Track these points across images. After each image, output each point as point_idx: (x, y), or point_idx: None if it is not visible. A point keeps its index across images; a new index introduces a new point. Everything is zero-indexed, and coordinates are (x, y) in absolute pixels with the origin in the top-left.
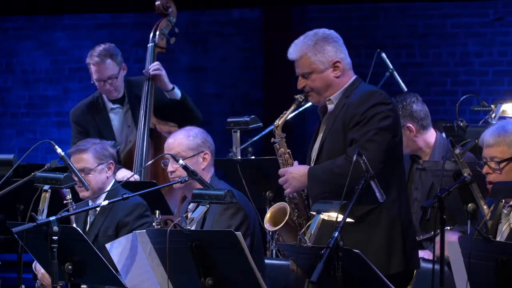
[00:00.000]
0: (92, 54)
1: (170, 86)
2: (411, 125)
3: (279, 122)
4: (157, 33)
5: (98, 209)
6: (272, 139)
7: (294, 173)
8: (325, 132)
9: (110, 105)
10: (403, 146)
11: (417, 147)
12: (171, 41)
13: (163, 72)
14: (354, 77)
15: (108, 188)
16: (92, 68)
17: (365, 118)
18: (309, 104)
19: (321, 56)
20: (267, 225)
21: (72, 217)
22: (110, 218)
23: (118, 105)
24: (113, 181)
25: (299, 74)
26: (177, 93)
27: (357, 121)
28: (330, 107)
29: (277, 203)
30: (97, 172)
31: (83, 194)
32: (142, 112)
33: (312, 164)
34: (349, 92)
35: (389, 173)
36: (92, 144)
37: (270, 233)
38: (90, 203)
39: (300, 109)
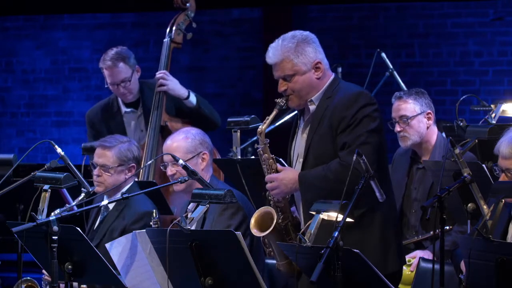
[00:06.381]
0: (105, 59)
1: (185, 94)
2: (431, 112)
3: (262, 128)
4: (174, 28)
5: (110, 207)
6: (256, 145)
7: (285, 180)
8: (310, 133)
9: (124, 108)
10: (416, 136)
11: (426, 138)
12: (188, 36)
13: (169, 86)
14: (333, 76)
15: (125, 189)
16: (105, 72)
17: (355, 120)
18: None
19: (303, 57)
20: (254, 231)
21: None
22: (118, 221)
23: (132, 109)
24: (132, 182)
25: (280, 77)
26: (192, 101)
27: (347, 124)
28: (312, 108)
29: (261, 208)
30: (116, 172)
31: (97, 189)
32: (152, 110)
33: (295, 165)
34: (330, 93)
35: (380, 174)
36: (118, 143)
37: None
38: (104, 198)
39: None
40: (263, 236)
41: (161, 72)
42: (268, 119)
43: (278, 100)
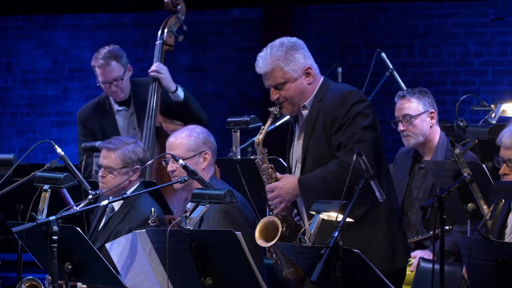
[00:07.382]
0: (97, 57)
1: (173, 87)
2: (434, 112)
3: (259, 138)
4: (166, 30)
5: (115, 209)
6: (254, 156)
7: (285, 187)
8: (305, 138)
9: (116, 107)
10: (419, 135)
11: (429, 137)
12: (179, 38)
13: (163, 75)
14: (322, 78)
15: (130, 191)
16: (97, 71)
17: (348, 119)
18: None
19: (293, 65)
20: (260, 242)
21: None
22: (123, 223)
23: (124, 107)
24: (138, 184)
25: (271, 86)
26: (180, 95)
27: (340, 124)
28: (305, 112)
29: (264, 218)
30: (120, 174)
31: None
32: (147, 112)
33: (295, 170)
34: (321, 95)
35: (378, 168)
36: (123, 144)
37: None
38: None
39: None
40: (269, 249)
41: (155, 64)
42: (263, 129)
43: (272, 109)
